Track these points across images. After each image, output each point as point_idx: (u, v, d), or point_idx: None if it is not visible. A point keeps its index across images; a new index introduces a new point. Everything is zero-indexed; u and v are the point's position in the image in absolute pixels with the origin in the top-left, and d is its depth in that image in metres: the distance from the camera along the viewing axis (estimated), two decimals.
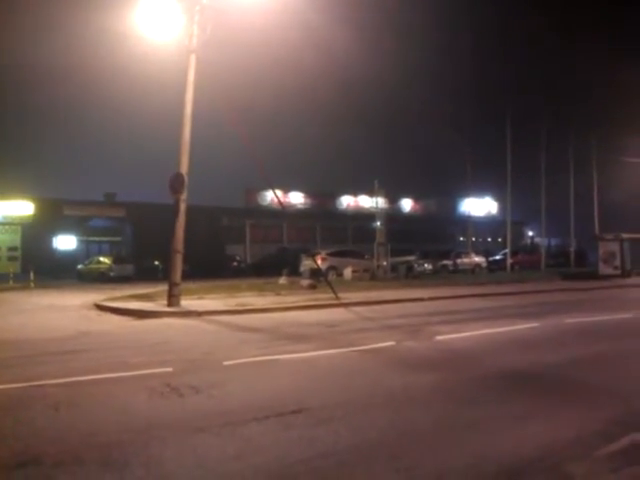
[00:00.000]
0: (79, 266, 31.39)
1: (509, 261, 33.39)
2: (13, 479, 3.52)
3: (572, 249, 36.81)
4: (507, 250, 34.32)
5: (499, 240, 48.77)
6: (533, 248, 41.17)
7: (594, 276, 25.40)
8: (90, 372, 6.41)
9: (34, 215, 34.72)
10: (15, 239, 35.26)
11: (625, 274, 25.58)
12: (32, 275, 23.97)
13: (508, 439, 4.23)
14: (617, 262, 26.06)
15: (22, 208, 34.65)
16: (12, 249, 35.11)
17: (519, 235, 49.90)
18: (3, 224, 34.72)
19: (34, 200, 34.71)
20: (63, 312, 13.72)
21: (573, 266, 34.74)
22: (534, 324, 10.48)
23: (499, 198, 51.25)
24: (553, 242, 46.93)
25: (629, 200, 34.28)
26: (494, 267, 34.80)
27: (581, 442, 4.14)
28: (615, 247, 26.26)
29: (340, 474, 3.61)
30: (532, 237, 51.89)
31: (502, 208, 47.33)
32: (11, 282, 24.10)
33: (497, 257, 37.84)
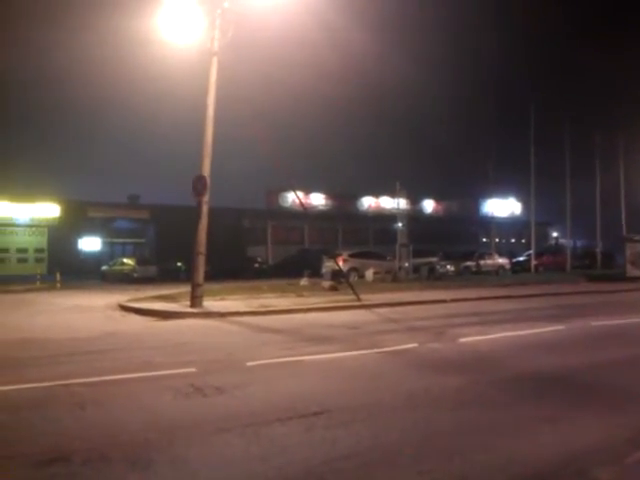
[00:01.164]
0: (103, 267, 31.87)
1: (533, 262, 32.93)
2: (43, 476, 3.58)
3: (598, 250, 36.16)
4: (531, 251, 33.85)
5: (523, 241, 48.17)
6: (558, 249, 40.54)
7: (621, 278, 24.87)
8: (115, 372, 6.50)
9: (60, 217, 35.40)
10: (42, 241, 35.96)
11: None
12: (58, 276, 24.40)
13: (533, 443, 4.17)
14: None
15: (48, 210, 35.37)
16: (39, 251, 35.82)
17: (543, 236, 49.19)
18: (30, 226, 35.44)
19: (60, 202, 35.39)
20: (88, 313, 13.94)
21: (599, 268, 34.12)
22: (559, 327, 10.31)
23: (523, 199, 50.59)
24: (579, 243, 46.18)
25: None
26: (518, 268, 34.34)
27: (609, 448, 4.06)
28: None
29: (363, 476, 3.59)
30: (557, 238, 51.10)
31: (526, 209, 46.73)
32: (38, 283, 24.57)
33: (521, 258, 37.35)
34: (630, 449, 4.00)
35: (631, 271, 25.69)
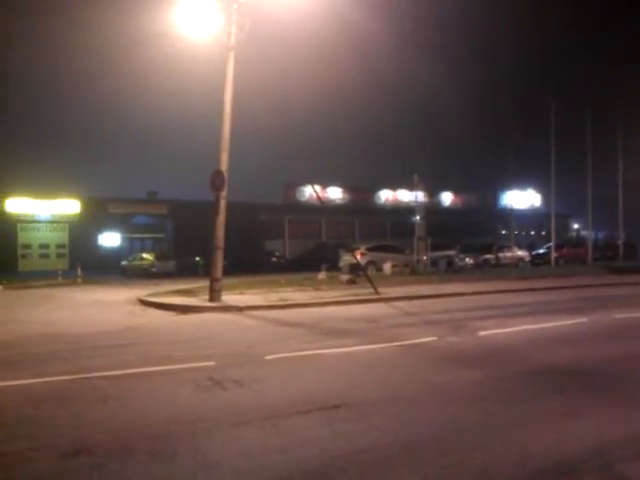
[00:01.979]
0: (123, 262, 32.25)
1: (553, 255, 32.51)
2: (68, 467, 3.64)
3: (620, 242, 35.57)
4: (552, 244, 33.43)
5: (543, 233, 47.56)
6: (579, 241, 39.94)
7: None
8: (136, 365, 6.58)
9: (80, 213, 35.90)
10: (63, 237, 36.50)
11: None
12: (79, 271, 24.75)
13: (555, 436, 4.12)
14: None
15: (69, 207, 35.89)
16: (60, 246, 36.36)
17: (564, 228, 48.50)
18: (52, 222, 35.99)
19: (80, 199, 35.87)
20: (109, 307, 14.13)
21: (622, 260, 33.57)
22: (582, 319, 10.18)
23: (542, 190, 49.88)
24: (600, 235, 45.46)
25: None
26: (538, 261, 33.91)
27: (632, 443, 4.00)
28: None
29: (382, 469, 3.58)
30: (578, 230, 50.38)
31: (546, 200, 46.08)
32: (60, 278, 24.95)
33: (541, 251, 36.89)
34: None
35: None
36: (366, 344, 7.91)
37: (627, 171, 33.66)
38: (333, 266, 23.96)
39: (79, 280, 24.25)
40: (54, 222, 36.07)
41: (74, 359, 7.16)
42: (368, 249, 26.24)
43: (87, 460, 3.72)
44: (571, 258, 34.03)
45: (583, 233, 44.40)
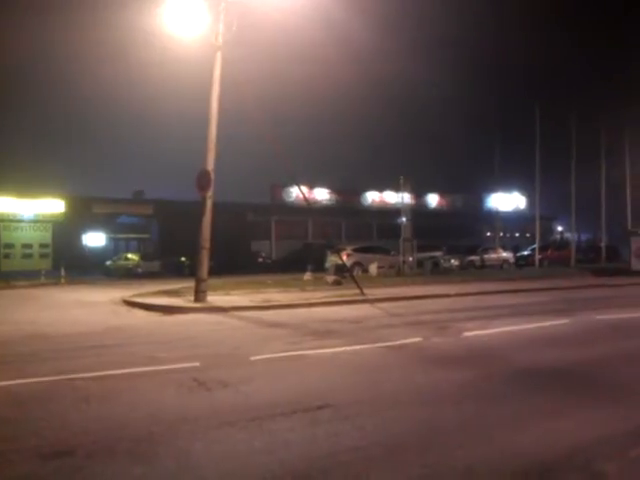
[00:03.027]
0: (107, 262, 31.98)
1: (537, 257, 32.83)
2: (48, 469, 3.60)
3: (603, 244, 36.02)
4: (535, 245, 33.75)
5: (528, 235, 48.01)
6: (563, 243, 40.38)
7: (626, 272, 24.76)
8: (119, 366, 6.53)
9: (64, 213, 35.49)
10: (46, 236, 36.07)
11: None
12: (63, 271, 24.50)
13: (537, 436, 4.17)
14: None
15: (53, 206, 35.45)
16: (44, 246, 35.93)
17: (548, 230, 49.01)
18: (35, 222, 35.55)
19: (64, 198, 35.46)
20: (93, 307, 13.99)
21: (604, 262, 33.99)
22: (564, 321, 10.29)
23: (527, 193, 50.38)
24: (583, 237, 46.00)
25: None
26: (522, 263, 34.24)
27: (612, 441, 4.06)
28: None
29: (367, 469, 3.60)
30: (562, 232, 50.93)
31: (530, 203, 46.52)
32: (42, 278, 24.66)
33: (525, 253, 37.25)
34: (634, 443, 3.99)
35: (636, 265, 25.58)
36: (351, 345, 7.92)
37: (610, 175, 34.09)
38: (319, 267, 23.98)
39: (62, 280, 24.00)
40: (37, 222, 35.62)
41: (57, 360, 7.09)
42: (354, 250, 26.29)
43: (68, 462, 3.69)
44: (555, 260, 34.41)
45: (567, 235, 44.88)
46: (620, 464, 3.67)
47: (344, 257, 22.29)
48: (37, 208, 35.15)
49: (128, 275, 28.58)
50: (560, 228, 52.01)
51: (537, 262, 32.41)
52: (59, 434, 4.21)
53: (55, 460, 3.70)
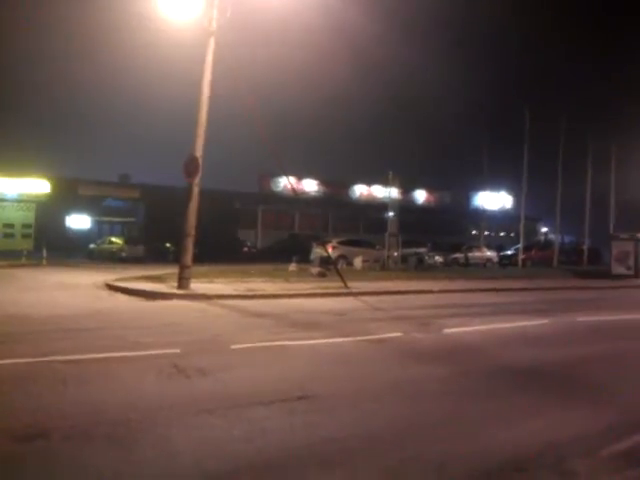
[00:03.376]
0: (91, 245, 31.70)
1: (521, 257, 33.14)
2: (23, 452, 3.57)
3: (585, 247, 36.46)
4: (519, 245, 34.07)
5: (512, 235, 48.44)
6: (546, 244, 40.83)
7: (607, 275, 25.14)
8: (99, 350, 6.48)
9: (49, 194, 35.00)
10: (29, 216, 35.53)
11: (638, 274, 25.30)
12: (45, 253, 24.21)
13: (513, 433, 4.23)
14: (630, 262, 25.75)
15: (38, 186, 34.91)
16: (26, 226, 35.41)
17: (533, 231, 49.48)
18: (19, 201, 35.00)
19: (50, 179, 34.97)
20: (74, 290, 13.87)
21: (586, 264, 34.43)
22: (544, 321, 10.42)
23: (514, 193, 50.78)
24: (567, 239, 46.50)
25: None
26: (506, 262, 34.56)
27: (585, 440, 4.13)
28: (629, 247, 25.94)
29: (342, 460, 3.62)
30: (546, 233, 51.45)
31: (517, 203, 46.92)
32: (24, 259, 24.38)
33: (509, 252, 37.59)
34: (605, 442, 4.06)
35: (616, 268, 25.97)
36: (333, 337, 7.95)
37: (595, 179, 34.48)
38: (304, 258, 23.98)
39: (44, 262, 23.73)
40: (21, 201, 35.04)
41: (36, 342, 7.01)
42: (340, 243, 26.33)
43: (42, 444, 3.66)
44: (538, 260, 34.79)
45: (551, 237, 45.35)
46: (591, 463, 3.73)
47: (329, 249, 22.32)
48: (21, 187, 34.61)
49: (112, 259, 28.36)
50: (544, 229, 52.54)
51: (520, 262, 32.72)
52: (34, 416, 4.17)
53: (30, 442, 3.67)
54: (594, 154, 33.96)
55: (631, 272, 25.45)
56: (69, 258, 26.98)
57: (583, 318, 11.04)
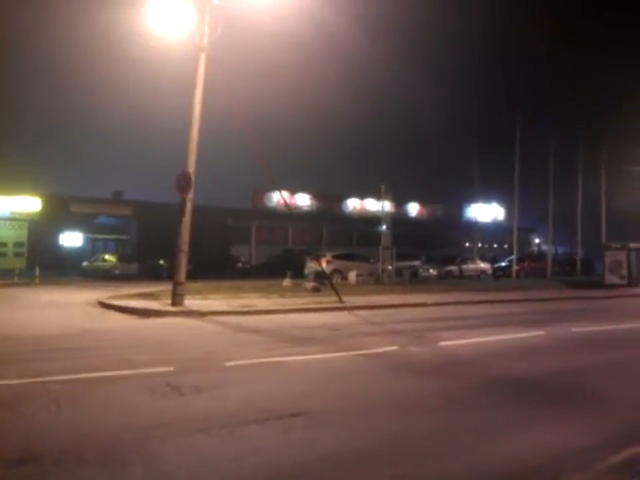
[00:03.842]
0: (84, 263, 31.48)
1: (515, 268, 33.23)
2: (12, 476, 3.51)
3: (578, 257, 36.61)
4: (513, 257, 34.17)
5: (505, 246, 48.60)
6: (540, 255, 40.98)
7: (600, 285, 25.23)
8: (92, 370, 6.41)
9: (41, 211, 34.84)
10: (22, 235, 35.38)
11: (632, 283, 25.40)
12: (37, 271, 24.05)
13: (510, 446, 4.20)
14: (624, 271, 25.86)
15: (30, 204, 34.76)
16: (18, 245, 35.24)
17: (526, 242, 49.67)
18: (11, 220, 34.84)
19: (42, 196, 34.81)
20: (67, 309, 13.76)
21: (579, 274, 34.54)
22: (539, 332, 10.40)
23: (506, 204, 51.08)
24: (560, 250, 46.70)
25: (637, 209, 34.07)
26: (499, 274, 34.63)
27: (583, 452, 4.10)
28: (622, 256, 26.07)
29: (338, 478, 3.58)
30: (539, 244, 51.66)
31: (509, 214, 47.16)
32: (16, 278, 24.19)
33: (503, 264, 37.68)
34: (602, 454, 4.04)
35: (609, 278, 26.06)
36: (327, 352, 7.91)
37: (586, 190, 34.73)
38: (299, 273, 23.93)
39: (37, 280, 23.56)
40: (13, 220, 34.90)
41: (29, 362, 6.94)
42: (334, 257, 26.29)
43: (33, 469, 3.59)
44: (531, 272, 34.88)
45: (544, 248, 45.54)
46: (589, 476, 3.71)
47: (323, 264, 22.27)
48: (13, 206, 34.45)
49: (105, 277, 28.18)
50: (537, 240, 52.76)
51: (514, 273, 32.78)
52: (26, 439, 4.11)
53: (19, 467, 3.61)
54: (584, 164, 34.27)
55: (624, 281, 25.54)
56: (62, 276, 26.80)
57: (578, 329, 11.04)
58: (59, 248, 35.98)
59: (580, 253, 36.83)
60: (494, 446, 4.22)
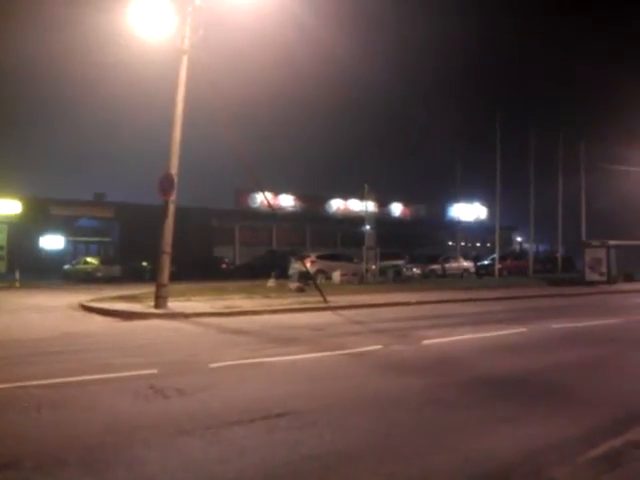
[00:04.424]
0: (66, 266, 31.09)
1: (497, 266, 33.56)
2: None
3: (559, 255, 37.07)
4: (495, 255, 34.50)
5: (488, 245, 49.06)
6: (521, 254, 41.44)
7: (580, 282, 25.61)
8: (74, 373, 6.34)
9: (21, 214, 34.35)
10: (1, 238, 34.85)
11: (611, 280, 25.82)
12: (17, 275, 23.71)
13: (493, 443, 4.24)
14: (603, 269, 26.28)
15: (9, 207, 34.26)
16: None
17: (508, 241, 50.19)
18: None
19: (21, 199, 34.35)
20: (48, 313, 13.58)
21: (560, 272, 34.98)
22: (521, 329, 10.53)
23: (488, 204, 51.60)
24: (541, 248, 47.25)
25: (616, 207, 34.68)
26: (482, 272, 34.95)
27: (564, 447, 4.17)
28: (601, 254, 26.49)
29: (323, 478, 3.59)
30: (521, 243, 52.22)
31: (491, 213, 47.63)
32: None
33: (485, 262, 38.02)
34: (582, 448, 4.11)
35: (590, 275, 26.47)
36: (312, 352, 7.92)
37: (566, 189, 35.17)
38: (283, 274, 23.92)
39: (17, 284, 23.22)
40: None
41: (9, 366, 6.84)
42: (318, 257, 26.33)
43: (14, 474, 3.55)
44: (513, 270, 35.26)
45: (525, 246, 46.04)
46: (569, 469, 3.77)
47: (308, 264, 22.29)
48: None
49: (87, 280, 27.86)
50: (519, 239, 53.33)
51: (497, 272, 33.12)
52: (6, 444, 4.05)
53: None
54: (564, 164, 34.70)
55: (604, 278, 25.95)
56: (43, 279, 26.43)
57: (559, 325, 11.19)
58: (39, 251, 35.50)
59: (561, 251, 37.29)
60: (478, 443, 4.26)
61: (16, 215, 34.35)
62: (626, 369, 7.33)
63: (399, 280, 25.88)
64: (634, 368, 7.42)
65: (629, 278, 26.66)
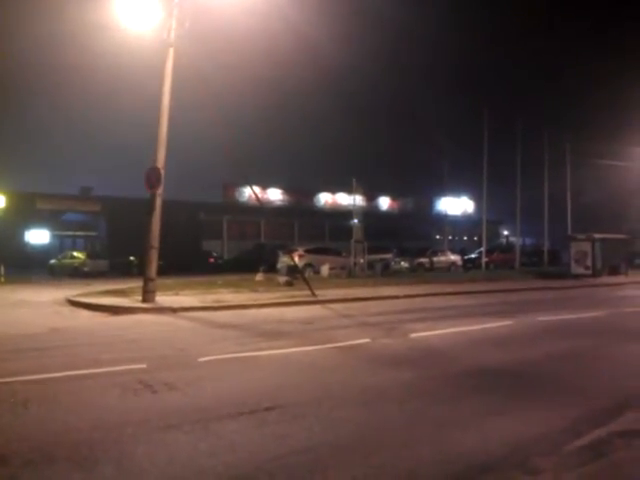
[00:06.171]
0: (52, 261, 30.82)
1: (484, 260, 33.79)
2: None
3: (545, 249, 37.42)
4: (482, 249, 34.72)
5: (475, 239, 49.37)
6: (508, 247, 41.75)
7: (566, 275, 25.89)
8: (62, 369, 6.31)
9: (6, 208, 33.91)
10: None
11: (596, 274, 26.11)
12: (2, 270, 23.45)
13: (479, 435, 4.29)
14: (588, 262, 26.57)
15: None
16: None
17: (495, 234, 50.55)
18: None
19: (6, 193, 33.89)
20: (34, 308, 13.46)
21: (546, 265, 35.31)
22: (507, 322, 10.63)
23: (475, 198, 51.91)
24: (528, 241, 47.64)
25: (601, 201, 35.03)
26: (469, 265, 35.17)
27: (549, 438, 4.23)
28: (587, 247, 26.77)
29: (313, 471, 3.61)
30: (507, 236, 52.62)
31: (478, 207, 47.93)
32: None
33: (472, 255, 38.27)
34: (568, 438, 4.17)
35: (575, 269, 26.76)
36: (301, 346, 7.94)
37: (552, 183, 35.45)
38: (271, 268, 23.89)
39: (2, 279, 22.97)
40: None
41: None
42: (306, 251, 26.32)
43: (1, 471, 3.53)
44: (500, 263, 35.55)
45: (512, 239, 46.39)
46: (555, 459, 3.82)
47: (296, 258, 22.29)
48: None
49: (74, 274, 27.64)
50: (506, 232, 53.72)
51: (483, 265, 33.34)
52: None
53: None
54: (550, 157, 34.97)
55: (589, 272, 26.25)
56: (28, 275, 26.16)
57: (545, 318, 11.32)
58: (25, 245, 35.12)
59: (547, 244, 37.63)
60: (464, 435, 4.30)
61: (1, 209, 33.91)
62: (611, 361, 7.43)
63: (387, 273, 25.97)
64: (619, 360, 7.52)
65: (614, 271, 26.99)
